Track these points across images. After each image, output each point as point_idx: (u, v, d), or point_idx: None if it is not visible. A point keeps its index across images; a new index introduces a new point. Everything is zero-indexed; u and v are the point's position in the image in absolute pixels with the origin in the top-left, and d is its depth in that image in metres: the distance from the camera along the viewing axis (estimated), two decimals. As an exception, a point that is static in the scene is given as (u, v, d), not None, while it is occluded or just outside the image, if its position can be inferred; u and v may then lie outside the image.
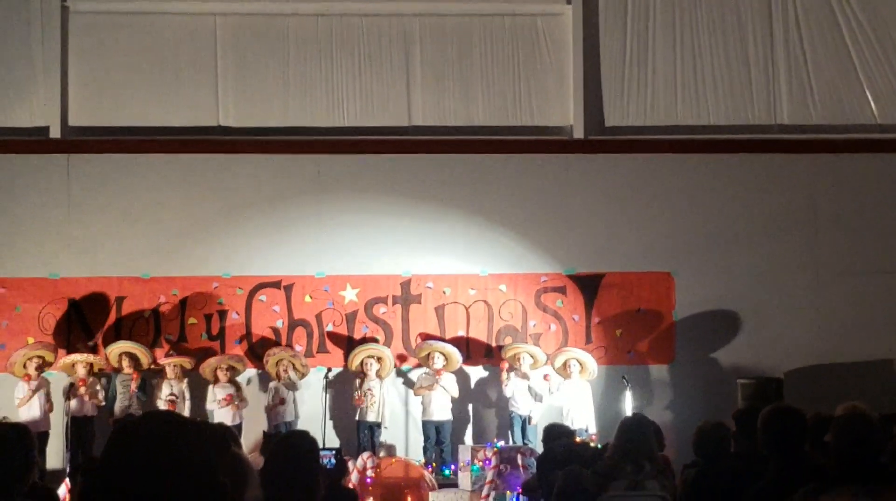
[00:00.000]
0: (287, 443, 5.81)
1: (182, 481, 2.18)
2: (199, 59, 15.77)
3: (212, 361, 14.72)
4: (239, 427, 13.87)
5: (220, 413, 14.19)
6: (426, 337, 15.23)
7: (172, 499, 2.16)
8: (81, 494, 6.91)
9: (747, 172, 15.74)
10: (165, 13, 15.80)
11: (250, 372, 15.00)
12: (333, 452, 7.50)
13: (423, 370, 14.88)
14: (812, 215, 15.75)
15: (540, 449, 10.84)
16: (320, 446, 6.46)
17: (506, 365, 14.89)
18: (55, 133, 15.47)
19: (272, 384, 14.61)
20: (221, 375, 14.56)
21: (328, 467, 6.84)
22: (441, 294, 15.46)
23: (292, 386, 14.52)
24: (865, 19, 15.97)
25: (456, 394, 14.67)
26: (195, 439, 2.28)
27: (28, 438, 4.68)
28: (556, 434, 9.80)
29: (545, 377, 14.80)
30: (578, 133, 15.85)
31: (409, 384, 15.15)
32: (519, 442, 14.21)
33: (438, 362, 14.66)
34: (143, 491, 2.15)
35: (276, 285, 15.36)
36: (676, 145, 15.79)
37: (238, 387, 14.62)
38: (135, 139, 15.51)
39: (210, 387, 14.56)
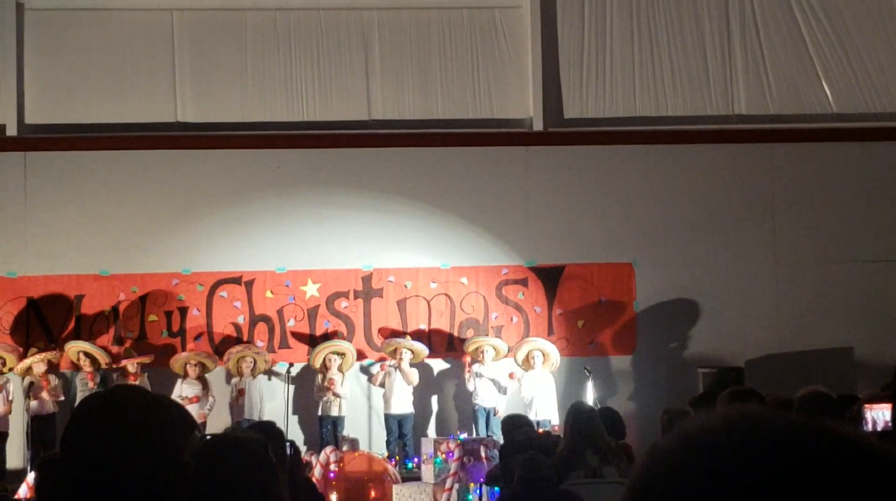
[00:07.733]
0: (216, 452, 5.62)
1: (144, 455, 2.17)
2: (156, 54, 15.68)
3: (182, 355, 14.61)
4: (203, 425, 13.80)
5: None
6: (390, 333, 15.19)
7: (132, 472, 2.14)
8: (41, 483, 6.84)
9: (706, 162, 15.82)
10: (122, 9, 15.70)
11: (220, 370, 14.85)
12: (289, 444, 7.43)
13: (389, 362, 14.83)
14: (770, 204, 15.84)
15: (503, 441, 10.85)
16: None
17: (468, 359, 14.85)
18: (12, 131, 15.34)
19: (234, 380, 14.56)
20: (191, 370, 14.47)
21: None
22: (402, 288, 15.44)
23: (256, 386, 14.51)
24: (821, 9, 16.07)
25: (416, 380, 14.62)
26: (160, 413, 2.26)
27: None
28: (516, 425, 9.81)
29: (510, 375, 14.78)
30: (538, 125, 15.87)
31: (370, 378, 15.11)
32: (483, 435, 14.20)
33: (405, 357, 14.64)
34: (104, 460, 2.14)
35: (236, 280, 15.29)
36: (635, 137, 15.84)
37: (206, 384, 14.52)
38: (92, 136, 15.40)
39: (179, 382, 14.47)
